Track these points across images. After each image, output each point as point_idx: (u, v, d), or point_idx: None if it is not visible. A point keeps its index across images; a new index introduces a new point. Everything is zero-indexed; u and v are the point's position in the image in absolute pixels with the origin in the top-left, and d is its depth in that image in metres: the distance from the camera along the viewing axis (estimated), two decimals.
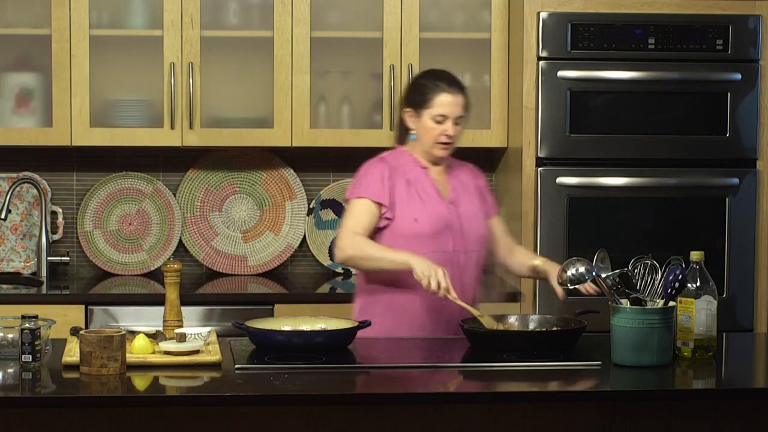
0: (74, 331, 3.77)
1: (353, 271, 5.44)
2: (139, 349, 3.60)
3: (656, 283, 3.69)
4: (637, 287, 3.70)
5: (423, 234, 4.10)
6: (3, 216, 5.20)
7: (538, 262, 4.20)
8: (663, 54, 4.98)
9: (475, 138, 5.10)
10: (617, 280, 3.69)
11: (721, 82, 4.99)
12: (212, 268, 5.45)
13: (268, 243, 5.48)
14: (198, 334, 3.68)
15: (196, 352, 3.63)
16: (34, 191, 5.39)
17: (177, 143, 5.15)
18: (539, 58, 4.95)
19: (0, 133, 5.12)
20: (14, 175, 5.38)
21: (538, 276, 4.24)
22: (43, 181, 5.39)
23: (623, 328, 3.62)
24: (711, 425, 3.55)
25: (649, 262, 3.72)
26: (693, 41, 4.98)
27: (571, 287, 3.97)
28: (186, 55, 5.12)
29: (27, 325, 3.49)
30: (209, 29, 5.18)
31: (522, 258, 4.28)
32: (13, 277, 5.32)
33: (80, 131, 5.11)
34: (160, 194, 5.42)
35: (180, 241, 5.44)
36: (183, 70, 5.12)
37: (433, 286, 3.90)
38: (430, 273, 3.91)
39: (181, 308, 3.91)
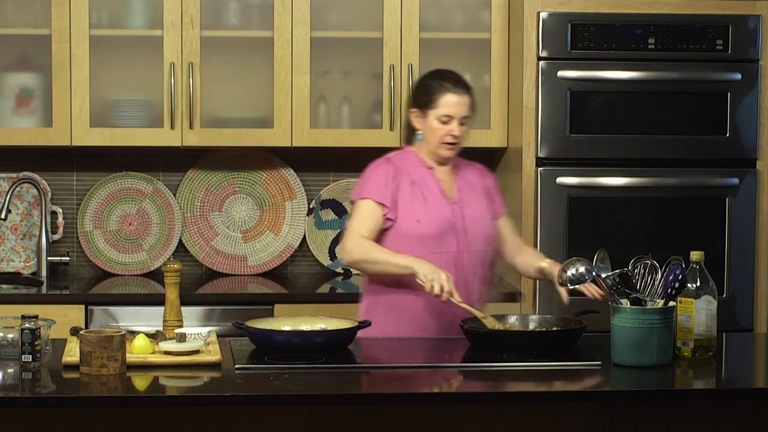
0: (74, 331, 3.77)
1: (353, 271, 5.44)
2: (139, 349, 3.60)
3: (656, 283, 3.69)
4: (637, 287, 3.70)
5: (425, 235, 4.10)
6: (3, 216, 5.20)
7: (545, 264, 4.19)
8: (663, 54, 4.98)
9: (475, 138, 5.10)
10: (617, 280, 3.69)
11: (721, 82, 4.99)
12: (212, 268, 5.45)
13: (268, 243, 5.48)
14: (198, 334, 3.68)
15: (196, 352, 3.63)
16: (34, 191, 5.39)
17: (177, 143, 5.15)
18: (539, 58, 4.95)
19: (0, 133, 5.12)
20: (14, 175, 5.38)
21: (544, 278, 4.23)
22: (43, 181, 5.39)
23: (623, 328, 3.62)
24: (711, 425, 3.55)
25: (649, 262, 3.72)
26: (693, 41, 4.98)
27: (571, 287, 3.98)
28: (186, 55, 5.12)
29: (27, 325, 3.49)
30: (209, 29, 5.18)
31: (529, 259, 4.28)
32: (13, 277, 5.32)
33: (80, 131, 5.11)
34: (160, 194, 5.42)
35: (180, 241, 5.44)
36: (183, 70, 5.12)
37: (436, 290, 3.91)
38: (433, 277, 3.92)
39: (181, 308, 3.91)
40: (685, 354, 3.74)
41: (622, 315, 3.63)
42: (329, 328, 3.86)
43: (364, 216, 4.11)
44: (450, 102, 4.10)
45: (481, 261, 4.18)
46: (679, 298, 3.72)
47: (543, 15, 4.94)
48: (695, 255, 3.76)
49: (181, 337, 3.63)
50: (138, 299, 4.97)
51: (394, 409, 3.48)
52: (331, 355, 3.70)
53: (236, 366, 3.57)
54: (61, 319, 4.54)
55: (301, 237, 5.48)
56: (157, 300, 4.44)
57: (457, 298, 3.94)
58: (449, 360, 3.79)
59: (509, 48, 5.19)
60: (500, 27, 5.20)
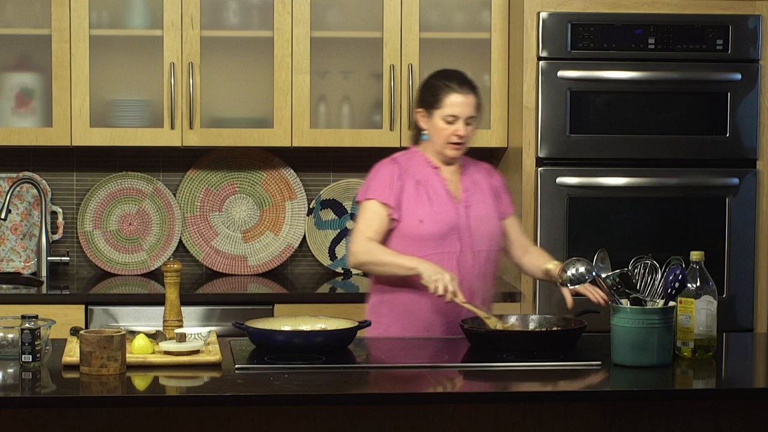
0: (74, 331, 3.77)
1: (353, 271, 5.44)
2: (139, 349, 3.60)
3: (656, 283, 3.69)
4: (637, 287, 3.70)
5: (428, 235, 4.10)
6: (3, 216, 5.20)
7: (552, 266, 4.17)
8: (663, 54, 4.98)
9: (474, 138, 5.09)
10: (617, 280, 3.69)
11: (721, 82, 4.99)
12: (212, 268, 5.46)
13: (268, 243, 5.48)
14: (198, 334, 3.68)
15: (196, 352, 3.63)
16: (34, 191, 5.39)
17: (177, 143, 5.15)
18: (539, 58, 4.95)
19: (0, 133, 5.12)
20: (14, 175, 5.38)
21: (550, 279, 4.21)
22: (43, 181, 5.39)
23: (623, 328, 3.62)
24: (711, 425, 3.55)
25: (649, 262, 3.72)
26: (693, 41, 4.98)
27: (571, 287, 3.98)
28: (186, 55, 5.12)
29: (27, 325, 3.49)
30: (209, 29, 5.18)
31: (536, 260, 4.27)
32: (13, 277, 5.32)
33: (80, 131, 5.11)
34: (160, 194, 5.43)
35: (180, 241, 5.44)
36: (183, 70, 5.12)
37: (440, 290, 3.92)
38: (437, 278, 3.93)
39: (181, 308, 3.91)
40: (685, 354, 3.74)
41: (622, 315, 3.63)
42: (329, 328, 3.86)
43: (370, 218, 4.12)
44: (455, 102, 4.10)
45: (486, 261, 4.18)
46: (679, 298, 3.72)
47: (543, 15, 4.94)
48: (695, 255, 3.76)
49: (181, 337, 3.63)
50: (138, 299, 4.97)
51: (394, 409, 3.48)
52: (331, 355, 3.70)
53: (236, 366, 3.57)
54: (61, 319, 4.55)
55: (301, 237, 5.48)
56: (157, 300, 4.44)
57: (461, 299, 3.95)
58: (449, 360, 3.79)
59: (509, 48, 5.19)
60: (500, 27, 5.20)
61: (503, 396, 3.48)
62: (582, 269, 3.92)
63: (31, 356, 3.48)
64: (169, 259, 5.39)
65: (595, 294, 4.00)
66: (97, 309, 4.85)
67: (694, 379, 3.66)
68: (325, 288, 5.21)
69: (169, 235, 5.42)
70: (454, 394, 3.49)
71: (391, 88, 5.16)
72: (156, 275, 5.33)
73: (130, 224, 5.42)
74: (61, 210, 5.39)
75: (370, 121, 5.29)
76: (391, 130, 5.18)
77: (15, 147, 5.25)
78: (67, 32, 5.08)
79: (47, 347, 3.71)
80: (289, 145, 5.19)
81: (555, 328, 3.94)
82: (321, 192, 5.49)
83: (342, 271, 5.46)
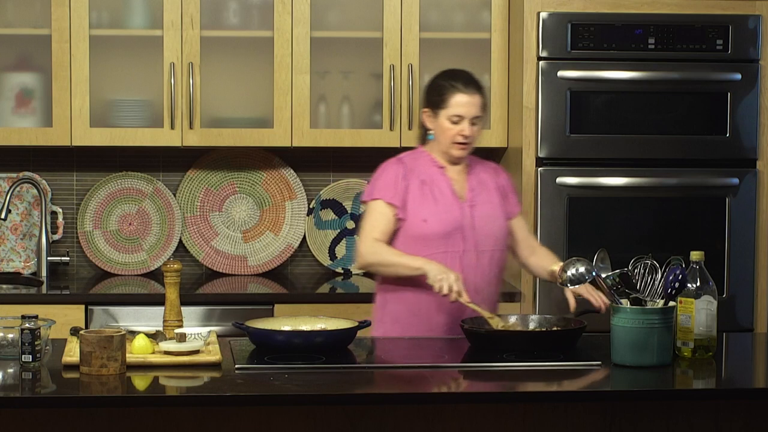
0: (74, 331, 3.77)
1: (353, 271, 5.44)
2: (139, 349, 3.60)
3: (656, 283, 3.69)
4: (637, 287, 3.70)
5: (431, 235, 4.11)
6: (3, 216, 5.20)
7: (557, 267, 4.17)
8: (663, 54, 4.98)
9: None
10: (617, 280, 3.69)
11: (721, 82, 4.99)
12: (212, 268, 5.46)
13: (268, 243, 5.48)
14: (198, 334, 3.68)
15: (196, 352, 3.63)
16: (34, 191, 5.39)
17: (177, 143, 5.15)
18: (539, 58, 4.95)
19: (0, 133, 5.12)
20: (14, 175, 5.38)
21: (556, 281, 4.21)
22: (43, 181, 5.39)
23: (623, 328, 3.62)
24: (711, 425, 3.55)
25: (649, 262, 3.72)
26: (693, 41, 4.98)
27: (571, 287, 3.98)
28: (186, 55, 5.12)
29: (27, 325, 3.49)
30: (209, 29, 5.18)
31: (542, 261, 4.26)
32: (13, 277, 5.32)
33: (80, 131, 5.11)
34: (160, 194, 5.43)
35: (180, 241, 5.44)
36: (183, 70, 5.12)
37: (445, 290, 3.93)
38: (443, 277, 3.94)
39: (181, 308, 3.91)
40: (685, 354, 3.74)
41: (622, 315, 3.63)
42: (329, 328, 3.86)
43: (376, 218, 4.13)
44: (460, 102, 4.10)
45: (490, 260, 4.18)
46: (679, 298, 3.72)
47: (543, 15, 4.94)
48: (695, 255, 3.76)
49: (181, 337, 3.63)
50: (138, 299, 4.97)
51: (394, 409, 3.48)
52: (331, 355, 3.70)
53: (236, 366, 3.57)
54: (61, 319, 4.55)
55: (301, 237, 5.48)
56: (157, 300, 4.44)
57: (465, 299, 3.95)
58: (449, 360, 3.79)
59: (509, 48, 5.19)
60: (500, 27, 5.20)
61: (503, 396, 3.48)
62: (582, 269, 3.92)
63: (31, 356, 3.48)
64: (169, 259, 5.39)
65: (597, 298, 4.00)
66: (97, 309, 4.85)
67: (694, 379, 3.66)
68: (325, 288, 5.21)
69: (169, 235, 5.42)
70: (454, 394, 3.49)
71: (391, 88, 5.16)
72: (156, 275, 5.33)
73: (130, 224, 5.42)
74: (61, 210, 5.39)
75: (370, 121, 5.29)
76: (391, 130, 5.18)
77: (15, 147, 5.25)
78: (67, 32, 5.08)
79: (47, 347, 3.71)
80: (289, 145, 5.19)
81: (555, 328, 3.94)
82: (321, 192, 5.49)
83: (342, 271, 5.46)
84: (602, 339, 3.81)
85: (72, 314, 4.78)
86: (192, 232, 5.45)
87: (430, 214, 4.12)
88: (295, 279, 5.38)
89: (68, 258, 5.35)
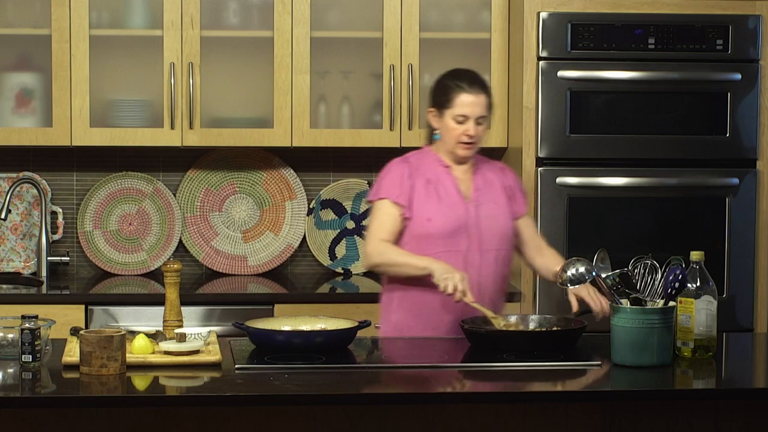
0: (74, 331, 3.77)
1: (353, 271, 5.44)
2: (139, 349, 3.60)
3: (656, 283, 3.69)
4: (637, 287, 3.70)
5: (435, 233, 4.11)
6: (3, 216, 5.20)
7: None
8: (663, 54, 4.98)
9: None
10: (617, 280, 3.69)
11: (721, 82, 4.99)
12: (212, 268, 5.45)
13: (268, 243, 5.48)
14: (198, 334, 3.68)
15: (196, 352, 3.63)
16: (34, 191, 5.39)
17: (177, 143, 5.15)
18: (539, 58, 4.95)
19: (0, 133, 5.12)
20: (14, 175, 5.38)
21: (556, 281, 4.21)
22: (43, 181, 5.39)
23: (623, 328, 3.62)
24: (711, 425, 3.55)
25: (649, 262, 3.72)
26: (693, 41, 4.98)
27: (571, 287, 3.98)
28: (186, 55, 5.12)
29: (27, 325, 3.49)
30: (209, 29, 5.18)
31: (548, 262, 4.25)
32: (13, 277, 5.32)
33: (80, 131, 5.11)
34: (160, 194, 5.42)
35: (180, 241, 5.44)
36: (183, 70, 5.12)
37: (450, 289, 3.93)
38: (448, 276, 3.94)
39: (181, 308, 3.91)
40: (685, 354, 3.74)
41: (622, 315, 3.63)
42: (329, 328, 3.86)
43: (383, 219, 4.14)
44: (465, 102, 4.11)
45: (495, 260, 4.17)
46: (679, 298, 3.72)
47: (543, 15, 4.94)
48: (695, 255, 3.76)
49: (181, 337, 3.63)
50: (138, 299, 4.97)
51: (394, 409, 3.48)
52: (331, 355, 3.70)
53: (236, 366, 3.57)
54: (61, 319, 4.55)
55: (301, 237, 5.48)
56: (157, 300, 4.44)
57: (469, 298, 3.96)
58: (449, 360, 3.79)
59: (509, 48, 5.19)
60: (500, 27, 5.20)
61: (503, 396, 3.48)
62: (582, 269, 3.92)
63: (31, 356, 3.48)
64: (169, 259, 5.39)
65: (596, 302, 4.00)
66: (97, 309, 4.85)
67: (694, 379, 3.66)
68: (325, 288, 5.21)
69: (169, 235, 5.42)
70: (454, 394, 3.49)
71: (391, 88, 5.16)
72: (156, 275, 5.33)
73: (130, 224, 5.42)
74: (61, 210, 5.39)
75: (370, 121, 5.29)
76: (391, 130, 5.18)
77: (15, 147, 5.25)
78: (67, 32, 5.08)
79: (47, 347, 3.71)
80: (289, 145, 5.19)
81: (555, 328, 3.94)
82: (321, 192, 5.49)
83: (342, 271, 5.46)
84: (602, 339, 3.81)
85: (72, 314, 4.78)
86: (192, 232, 5.45)
87: (435, 213, 4.12)
88: (295, 279, 5.38)
89: (68, 258, 5.35)
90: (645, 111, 4.99)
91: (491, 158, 4.35)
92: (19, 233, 5.40)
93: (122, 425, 3.42)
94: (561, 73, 4.93)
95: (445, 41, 5.26)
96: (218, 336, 3.88)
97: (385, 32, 5.17)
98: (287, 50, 5.15)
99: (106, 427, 3.42)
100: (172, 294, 3.88)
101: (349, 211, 5.49)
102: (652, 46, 4.97)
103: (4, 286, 5.22)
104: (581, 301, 4.08)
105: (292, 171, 5.48)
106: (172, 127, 5.12)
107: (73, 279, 5.30)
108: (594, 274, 3.83)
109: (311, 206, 5.48)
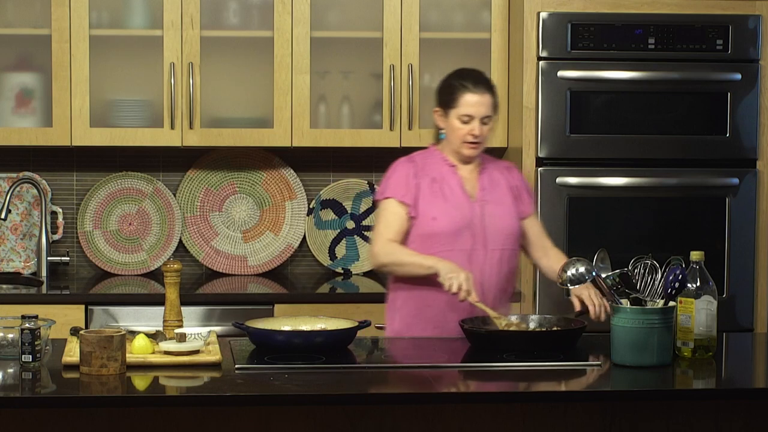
0: (74, 331, 3.77)
1: (353, 271, 5.44)
2: (139, 349, 3.60)
3: (656, 283, 3.69)
4: (637, 287, 3.70)
5: (440, 232, 4.12)
6: (3, 216, 5.20)
7: None
8: (663, 54, 4.98)
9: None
10: (617, 280, 3.69)
11: (721, 82, 4.99)
12: (212, 268, 5.45)
13: (268, 243, 5.48)
14: (198, 334, 3.68)
15: (196, 352, 3.63)
16: (34, 191, 5.39)
17: (177, 143, 5.15)
18: (539, 58, 4.95)
19: (0, 133, 5.12)
20: (14, 175, 5.38)
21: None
22: (43, 181, 5.39)
23: (623, 328, 3.62)
24: (711, 425, 3.55)
25: (649, 262, 3.72)
26: (693, 41, 4.98)
27: (571, 287, 3.98)
28: (186, 55, 5.12)
29: (27, 325, 3.49)
30: (209, 29, 5.18)
31: (553, 264, 4.24)
32: (13, 277, 5.32)
33: (80, 131, 5.11)
34: (160, 194, 5.42)
35: (180, 241, 5.44)
36: (183, 70, 5.12)
37: (454, 288, 3.94)
38: (453, 276, 3.95)
39: (181, 308, 3.91)
40: (685, 354, 3.74)
41: (622, 315, 3.63)
42: (329, 328, 3.86)
43: (390, 219, 4.14)
44: (470, 102, 4.11)
45: (500, 259, 4.18)
46: (679, 298, 3.72)
47: (543, 15, 4.94)
48: (695, 255, 3.76)
49: (181, 337, 3.63)
50: (138, 299, 4.97)
51: (394, 409, 3.48)
52: (331, 355, 3.70)
53: (236, 366, 3.57)
54: (61, 319, 4.55)
55: (301, 237, 5.48)
56: (157, 300, 4.44)
57: (474, 298, 3.96)
58: (449, 360, 3.79)
59: (509, 48, 5.19)
60: (500, 27, 5.20)
61: (503, 396, 3.48)
62: (582, 269, 3.92)
63: (31, 356, 3.48)
64: (169, 259, 5.39)
65: (596, 305, 3.99)
66: (97, 309, 4.85)
67: (694, 379, 3.66)
68: (325, 288, 5.21)
69: (169, 235, 5.42)
70: (454, 394, 3.49)
71: (391, 88, 5.16)
72: (156, 275, 5.33)
73: (130, 224, 5.42)
74: (61, 210, 5.39)
75: (370, 121, 5.29)
76: (391, 130, 5.18)
77: (15, 147, 5.25)
78: (67, 32, 5.08)
79: (47, 347, 3.71)
80: (289, 145, 5.19)
81: (555, 328, 3.94)
82: (321, 192, 5.49)
83: (342, 271, 5.46)
84: (602, 339, 3.81)
85: (72, 314, 4.78)
86: (192, 232, 5.45)
87: (440, 212, 4.13)
88: (295, 279, 5.38)
89: (68, 258, 5.35)
90: (645, 111, 4.99)
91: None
92: (19, 233, 5.40)
93: (122, 425, 3.42)
94: (561, 73, 4.93)
95: (445, 41, 5.26)
96: (218, 336, 3.88)
97: (385, 32, 5.17)
98: (287, 50, 5.15)
99: (106, 427, 3.42)
100: (172, 294, 3.88)
101: (349, 211, 5.49)
102: (652, 46, 4.97)
103: (4, 286, 5.22)
104: (582, 302, 4.08)
105: (292, 171, 5.48)
106: (172, 127, 5.12)
107: (73, 279, 5.30)
108: (594, 274, 3.83)
109: (311, 206, 5.48)
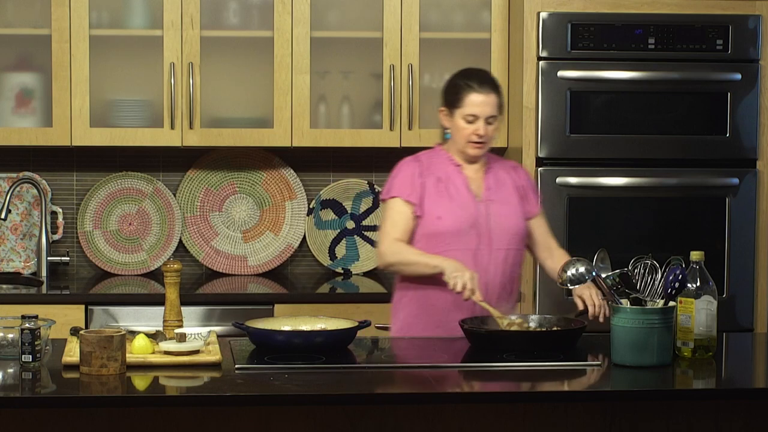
0: (74, 331, 3.77)
1: (353, 271, 5.44)
2: (139, 349, 3.60)
3: (656, 283, 3.69)
4: (637, 287, 3.70)
5: (445, 232, 4.12)
6: (3, 216, 5.20)
7: None
8: (663, 54, 4.98)
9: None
10: (617, 280, 3.69)
11: (721, 82, 4.99)
12: (212, 268, 5.45)
13: (268, 243, 5.48)
14: (198, 334, 3.68)
15: (196, 352, 3.63)
16: (34, 191, 5.39)
17: (177, 143, 5.15)
18: (539, 58, 4.95)
19: (0, 133, 5.12)
20: (14, 175, 5.38)
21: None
22: (43, 181, 5.39)
23: (623, 328, 3.62)
24: (711, 425, 3.55)
25: (649, 262, 3.72)
26: (693, 41, 4.98)
27: (571, 287, 3.98)
28: (186, 55, 5.12)
29: (27, 325, 3.49)
30: (209, 29, 5.18)
31: (557, 264, 4.21)
32: (13, 277, 5.32)
33: (80, 131, 5.11)
34: (160, 194, 5.42)
35: (180, 241, 5.44)
36: (183, 70, 5.12)
37: (459, 287, 3.94)
38: (457, 275, 3.95)
39: (181, 308, 3.91)
40: (685, 354, 3.74)
41: (622, 315, 3.63)
42: (329, 328, 3.86)
43: (396, 218, 4.15)
44: (475, 101, 4.12)
45: (505, 259, 4.18)
46: (679, 298, 3.72)
47: (543, 15, 4.94)
48: (695, 255, 3.76)
49: (181, 337, 3.63)
50: (138, 299, 4.97)
51: (394, 409, 3.48)
52: (331, 355, 3.70)
53: (236, 366, 3.57)
54: (61, 319, 4.55)
55: (301, 237, 5.48)
56: (157, 300, 4.44)
57: (478, 297, 3.97)
58: (449, 360, 3.79)
59: (509, 48, 5.19)
60: (500, 27, 5.20)
61: (503, 396, 3.48)
62: (582, 269, 3.92)
63: (31, 356, 3.48)
64: (169, 259, 5.39)
65: (595, 305, 3.99)
66: (97, 309, 4.85)
67: (694, 379, 3.66)
68: (325, 288, 5.21)
69: (169, 235, 5.42)
70: (454, 394, 3.49)
71: (391, 88, 5.16)
72: (156, 275, 5.33)
73: (130, 224, 5.42)
74: (61, 210, 5.39)
75: (370, 121, 5.29)
76: (391, 130, 5.18)
77: (15, 147, 5.25)
78: (67, 32, 5.08)
79: (47, 347, 3.71)
80: (289, 145, 5.19)
81: (555, 328, 3.94)
82: (321, 192, 5.49)
83: (342, 271, 5.46)
84: (602, 339, 3.81)
85: (72, 314, 4.78)
86: (192, 232, 5.45)
87: (445, 212, 4.13)
88: (295, 279, 5.37)
89: (68, 258, 5.35)
90: (645, 111, 4.99)
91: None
92: (19, 233, 5.40)
93: (122, 425, 3.42)
94: (561, 73, 4.93)
95: (445, 41, 5.26)
96: (218, 336, 3.88)
97: (385, 32, 5.17)
98: (287, 50, 5.15)
99: (106, 427, 3.42)
100: (172, 294, 3.88)
101: (349, 211, 5.49)
102: (652, 46, 4.97)
103: (4, 286, 5.22)
104: (584, 302, 4.08)
105: (292, 171, 5.48)
106: (172, 127, 5.12)
107: (73, 279, 5.30)
108: (594, 274, 3.83)
109: (311, 206, 5.48)
